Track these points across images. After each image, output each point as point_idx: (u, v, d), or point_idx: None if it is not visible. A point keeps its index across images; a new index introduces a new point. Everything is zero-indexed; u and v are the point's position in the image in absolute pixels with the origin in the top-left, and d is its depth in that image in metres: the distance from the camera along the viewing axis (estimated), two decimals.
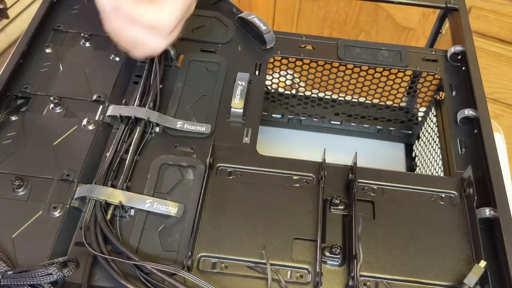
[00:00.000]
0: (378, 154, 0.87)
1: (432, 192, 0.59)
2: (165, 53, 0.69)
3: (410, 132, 0.86)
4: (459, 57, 0.73)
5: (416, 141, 0.85)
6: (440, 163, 0.68)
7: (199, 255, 0.52)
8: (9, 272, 0.46)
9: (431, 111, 0.78)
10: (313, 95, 0.84)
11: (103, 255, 0.50)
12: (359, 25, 1.44)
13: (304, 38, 0.75)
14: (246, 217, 0.55)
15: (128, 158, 0.58)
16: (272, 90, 0.85)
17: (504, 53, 1.29)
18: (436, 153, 0.71)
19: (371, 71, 0.77)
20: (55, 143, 0.59)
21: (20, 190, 0.54)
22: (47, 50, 0.69)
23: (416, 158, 0.83)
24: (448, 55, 0.73)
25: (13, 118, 0.61)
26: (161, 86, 0.67)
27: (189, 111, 0.65)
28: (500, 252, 0.52)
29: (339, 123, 0.87)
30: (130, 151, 0.59)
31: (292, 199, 0.57)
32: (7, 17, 0.96)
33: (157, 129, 0.63)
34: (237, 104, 0.64)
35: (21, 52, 0.65)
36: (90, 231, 0.52)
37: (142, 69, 0.68)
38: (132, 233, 0.53)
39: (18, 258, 0.50)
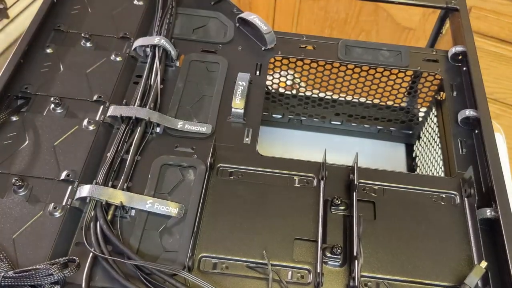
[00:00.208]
0: (378, 154, 0.87)
1: (433, 192, 0.59)
2: (165, 53, 0.69)
3: (410, 132, 0.86)
4: (460, 57, 0.73)
5: (417, 141, 0.85)
6: (441, 163, 0.68)
7: (200, 256, 0.52)
8: (10, 273, 0.46)
9: (431, 111, 0.78)
10: (313, 95, 0.84)
11: (104, 256, 0.50)
12: (359, 25, 1.44)
13: (304, 38, 0.75)
14: (247, 217, 0.55)
15: (128, 159, 0.58)
16: (273, 90, 0.85)
17: (504, 53, 1.29)
18: (437, 153, 0.71)
19: (371, 71, 0.77)
20: (55, 143, 0.59)
21: (20, 190, 0.54)
22: (48, 50, 0.69)
23: (417, 159, 0.83)
24: (449, 55, 0.73)
25: (14, 118, 0.61)
26: (161, 86, 0.67)
27: (189, 112, 0.65)
28: (501, 252, 0.52)
29: (339, 123, 0.87)
30: (131, 151, 0.59)
31: (292, 199, 0.57)
32: (7, 17, 0.96)
33: (158, 130, 0.63)
34: (237, 105, 0.64)
35: (21, 52, 0.65)
36: (90, 231, 0.52)
37: (143, 69, 0.68)
38: (133, 233, 0.53)
39: (19, 258, 0.50)
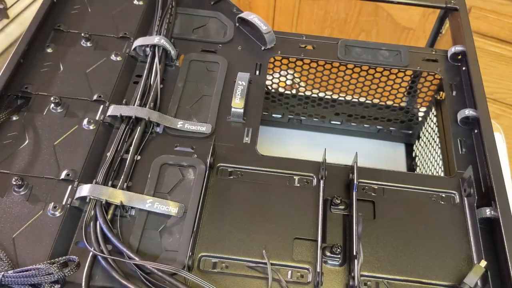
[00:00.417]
0: (378, 154, 0.87)
1: (433, 192, 0.59)
2: (165, 53, 0.69)
3: (410, 132, 0.86)
4: (460, 57, 0.73)
5: (417, 141, 0.85)
6: (441, 163, 0.68)
7: (200, 255, 0.52)
8: (10, 272, 0.46)
9: (431, 111, 0.78)
10: (313, 95, 0.84)
11: (104, 255, 0.50)
12: (359, 25, 1.44)
13: (304, 38, 0.75)
14: (247, 216, 0.55)
15: (128, 158, 0.58)
16: (273, 90, 0.85)
17: (504, 53, 1.29)
18: (437, 153, 0.71)
19: (371, 71, 0.77)
20: (55, 143, 0.59)
21: (20, 190, 0.54)
22: (48, 50, 0.69)
23: (417, 158, 0.83)
24: (449, 55, 0.73)
25: (14, 118, 0.61)
26: (161, 86, 0.67)
27: (189, 111, 0.65)
28: (501, 252, 0.52)
29: (339, 123, 0.87)
30: (131, 151, 0.59)
31: (292, 199, 0.57)
32: (7, 17, 0.96)
33: (158, 129, 0.63)
34: (237, 104, 0.64)
35: (21, 52, 0.65)
36: (90, 231, 0.52)
37: (143, 69, 0.68)
38: (133, 233, 0.53)
39: (19, 257, 0.50)
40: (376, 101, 0.83)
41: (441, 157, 0.69)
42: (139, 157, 0.60)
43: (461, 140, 0.64)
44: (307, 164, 0.60)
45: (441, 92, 0.73)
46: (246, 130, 0.64)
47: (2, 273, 0.46)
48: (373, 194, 0.59)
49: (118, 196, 0.54)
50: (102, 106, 0.63)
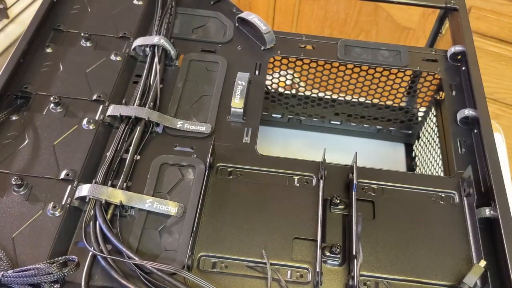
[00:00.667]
0: (378, 154, 0.87)
1: (432, 192, 0.59)
2: (165, 53, 0.69)
3: (410, 132, 0.86)
4: (459, 57, 0.73)
5: (416, 141, 0.85)
6: (440, 163, 0.68)
7: (199, 255, 0.52)
8: (9, 271, 0.46)
9: (431, 111, 0.78)
10: (313, 95, 0.84)
11: (103, 255, 0.50)
12: (359, 25, 1.44)
13: (304, 38, 0.75)
14: (246, 216, 0.55)
15: (128, 158, 0.58)
16: (272, 90, 0.85)
17: (504, 53, 1.29)
18: (436, 153, 0.71)
19: (371, 71, 0.77)
20: (55, 142, 0.59)
21: (20, 189, 0.54)
22: (47, 50, 0.69)
23: (416, 158, 0.84)
24: (448, 55, 0.73)
25: (14, 117, 0.61)
26: (161, 86, 0.67)
27: (189, 111, 0.65)
28: (500, 251, 0.52)
29: (339, 123, 0.87)
30: (130, 150, 0.59)
31: (292, 198, 0.57)
32: (7, 17, 0.96)
33: (157, 129, 0.63)
34: (237, 104, 0.64)
35: (21, 52, 0.65)
36: (90, 230, 0.52)
37: (142, 68, 0.68)
38: (132, 232, 0.53)
39: (19, 257, 0.50)
40: (375, 101, 0.83)
41: (440, 157, 0.69)
42: (138, 157, 0.60)
43: (460, 140, 0.64)
44: (306, 164, 0.60)
45: (441, 92, 0.73)
46: (246, 130, 0.64)
47: (2, 272, 0.46)
48: (372, 194, 0.59)
49: (117, 196, 0.54)
50: (101, 106, 0.63)
